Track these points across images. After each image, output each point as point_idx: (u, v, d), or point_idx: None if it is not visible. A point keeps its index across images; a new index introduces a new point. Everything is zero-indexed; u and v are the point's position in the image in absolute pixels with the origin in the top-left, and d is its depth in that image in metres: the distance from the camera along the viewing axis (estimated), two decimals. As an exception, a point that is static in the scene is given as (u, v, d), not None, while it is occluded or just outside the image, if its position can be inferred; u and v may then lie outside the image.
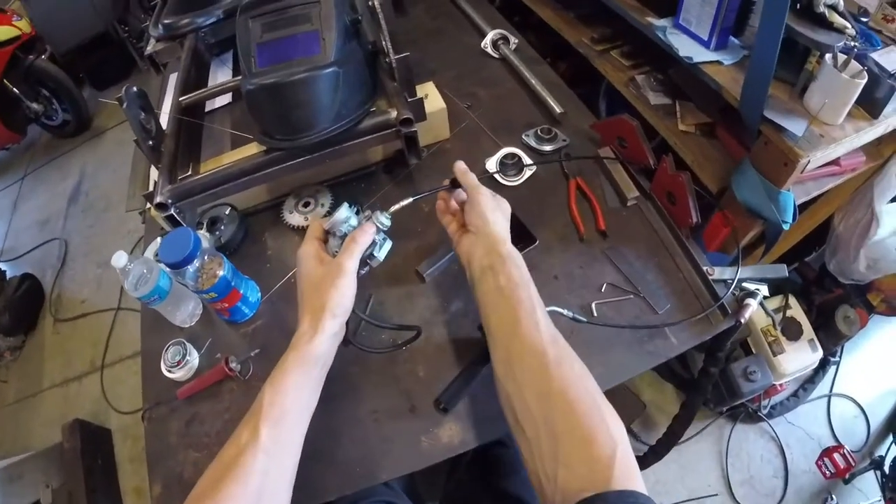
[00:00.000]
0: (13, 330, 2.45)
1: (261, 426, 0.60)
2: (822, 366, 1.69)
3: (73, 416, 2.02)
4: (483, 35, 1.31)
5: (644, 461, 1.37)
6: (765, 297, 0.84)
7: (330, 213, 1.02)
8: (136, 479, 1.97)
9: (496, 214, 0.75)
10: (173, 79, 1.34)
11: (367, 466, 0.78)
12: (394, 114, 0.90)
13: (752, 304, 0.83)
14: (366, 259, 0.74)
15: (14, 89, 3.00)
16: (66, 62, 3.34)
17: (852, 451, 1.50)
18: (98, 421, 2.10)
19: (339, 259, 0.70)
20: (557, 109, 1.09)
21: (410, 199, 0.77)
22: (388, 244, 0.77)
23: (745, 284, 0.85)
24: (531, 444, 0.55)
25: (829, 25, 0.88)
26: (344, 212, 0.73)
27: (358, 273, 0.72)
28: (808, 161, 0.88)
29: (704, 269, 0.87)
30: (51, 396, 2.31)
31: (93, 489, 1.83)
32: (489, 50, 1.29)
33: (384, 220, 0.75)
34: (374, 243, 0.74)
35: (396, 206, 0.76)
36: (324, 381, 0.70)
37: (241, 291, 0.90)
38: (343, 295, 0.68)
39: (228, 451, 0.60)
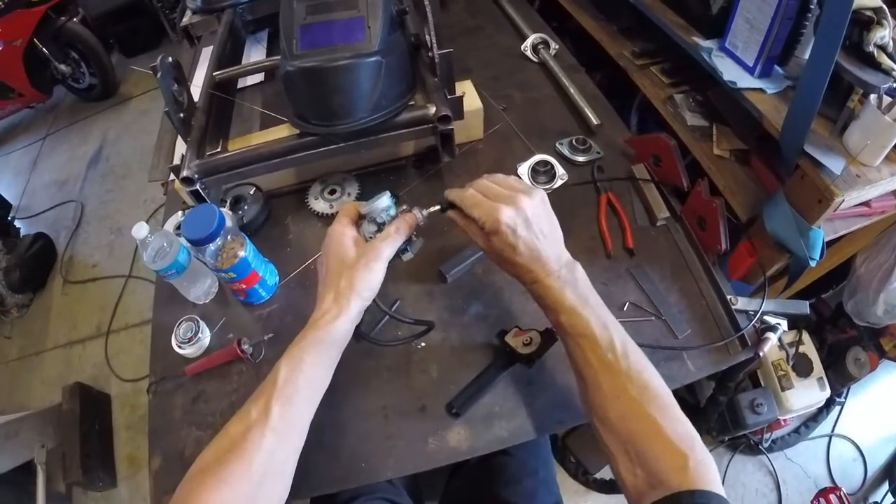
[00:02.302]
0: (22, 287, 2.46)
1: (272, 404, 0.59)
2: (827, 405, 1.67)
3: (74, 378, 2.03)
4: (523, 37, 1.30)
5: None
6: (783, 332, 0.83)
7: (357, 201, 1.02)
8: (131, 446, 1.98)
9: (524, 238, 0.65)
10: (206, 53, 1.34)
11: (372, 462, 0.77)
12: (432, 109, 0.88)
13: (772, 339, 0.82)
14: (399, 252, 0.72)
15: (43, 49, 3.01)
16: (97, 26, 3.36)
17: (848, 494, 1.49)
18: (98, 386, 2.11)
19: (376, 243, 0.68)
20: (594, 121, 1.08)
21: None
22: (420, 242, 0.76)
23: (765, 318, 0.84)
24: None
25: (876, 66, 0.86)
26: (386, 200, 0.72)
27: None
28: (843, 200, 0.86)
29: (728, 297, 0.86)
30: (53, 357, 2.31)
31: (87, 454, 1.83)
32: (528, 53, 1.28)
33: (421, 217, 0.73)
34: (409, 238, 0.73)
35: (434, 208, 0.74)
36: (337, 362, 0.68)
37: (260, 274, 0.89)
38: (374, 278, 0.67)
39: (236, 427, 0.59)
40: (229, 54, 1.18)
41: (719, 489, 0.52)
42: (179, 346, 0.88)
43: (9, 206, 2.78)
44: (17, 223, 2.77)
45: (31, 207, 2.96)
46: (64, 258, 2.64)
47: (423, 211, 0.73)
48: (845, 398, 1.71)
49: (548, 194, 0.99)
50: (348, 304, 0.65)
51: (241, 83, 1.27)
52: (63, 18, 3.06)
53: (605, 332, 0.63)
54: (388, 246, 0.68)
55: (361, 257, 0.67)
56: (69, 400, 1.92)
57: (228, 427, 0.60)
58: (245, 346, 0.86)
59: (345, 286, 0.66)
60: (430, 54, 0.89)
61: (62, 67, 3.15)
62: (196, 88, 1.04)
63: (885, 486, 1.59)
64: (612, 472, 0.61)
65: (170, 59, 0.90)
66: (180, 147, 0.97)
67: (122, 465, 1.95)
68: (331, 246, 0.70)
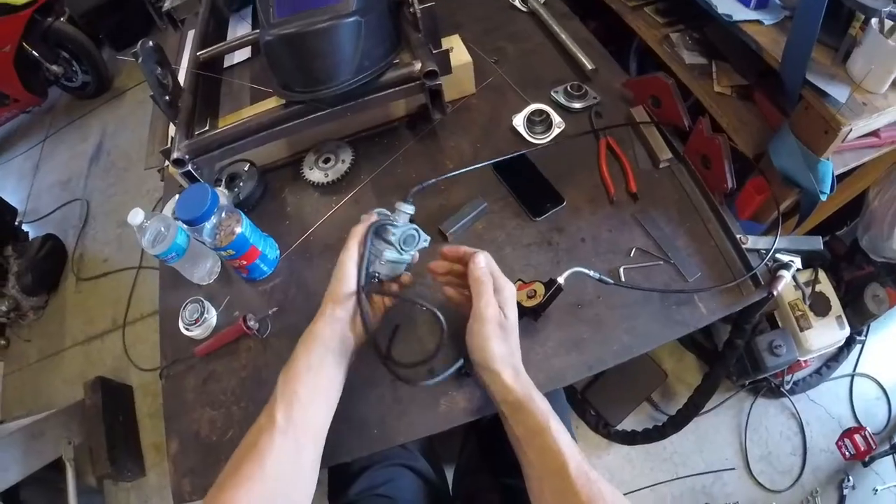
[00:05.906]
0: (36, 290, 2.48)
1: (275, 410, 0.62)
2: (848, 344, 1.65)
3: (95, 373, 2.06)
4: (512, -13, 1.26)
5: (662, 432, 1.36)
6: (797, 270, 0.81)
7: (350, 170, 1.00)
8: (156, 434, 2.01)
9: (498, 341, 0.68)
10: (191, 35, 1.31)
11: (383, 429, 0.77)
12: (418, 66, 0.86)
13: (786, 277, 0.80)
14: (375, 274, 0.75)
15: (34, 52, 2.97)
16: (84, 23, 3.31)
17: (873, 434, 1.47)
18: (119, 378, 2.13)
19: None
20: (588, 66, 1.05)
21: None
22: (403, 257, 0.77)
23: (778, 256, 0.82)
24: None
25: (876, -12, 0.83)
26: (394, 254, 0.75)
27: (377, 277, 0.75)
28: (850, 129, 0.84)
29: (738, 237, 0.83)
30: (73, 354, 2.34)
31: (113, 445, 1.86)
32: (517, 3, 1.24)
33: (407, 210, 0.76)
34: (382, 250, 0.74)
35: (423, 245, 0.78)
36: (344, 365, 0.69)
37: (260, 249, 0.89)
38: (338, 280, 0.70)
39: (249, 436, 0.62)
40: (213, 33, 1.16)
41: None
42: (187, 328, 0.88)
43: (15, 211, 2.78)
44: (24, 227, 2.79)
45: (38, 210, 2.97)
46: (74, 256, 2.66)
47: (405, 204, 0.76)
48: (866, 336, 1.68)
49: (545, 143, 0.99)
50: (323, 308, 0.70)
51: (229, 61, 1.24)
52: (50, 19, 3.01)
53: (568, 437, 0.62)
54: (343, 251, 0.72)
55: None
56: (91, 394, 1.95)
57: (244, 438, 0.63)
58: (251, 322, 0.86)
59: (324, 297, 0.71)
60: (412, 10, 0.86)
61: (54, 68, 3.12)
62: (184, 71, 1.02)
63: (910, 424, 1.57)
64: None
65: (150, 42, 0.90)
66: (173, 131, 0.96)
67: (150, 453, 1.99)
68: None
